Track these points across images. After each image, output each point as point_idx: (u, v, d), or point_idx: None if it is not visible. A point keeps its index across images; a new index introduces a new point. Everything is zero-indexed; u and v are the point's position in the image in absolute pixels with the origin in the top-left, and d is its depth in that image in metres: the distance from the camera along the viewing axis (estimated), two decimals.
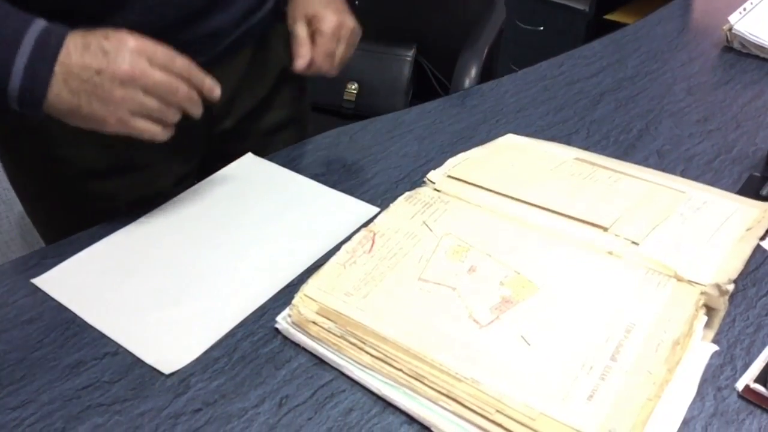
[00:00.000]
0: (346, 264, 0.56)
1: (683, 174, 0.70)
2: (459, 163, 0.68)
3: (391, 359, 0.47)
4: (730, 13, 0.99)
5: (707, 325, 0.51)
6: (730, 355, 0.50)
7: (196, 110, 0.59)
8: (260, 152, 0.77)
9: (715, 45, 1.00)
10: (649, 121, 0.81)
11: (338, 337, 0.50)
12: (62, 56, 0.53)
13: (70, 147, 0.71)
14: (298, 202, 0.68)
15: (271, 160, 0.75)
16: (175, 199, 0.68)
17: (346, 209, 0.67)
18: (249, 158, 0.75)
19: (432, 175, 0.67)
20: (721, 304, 0.51)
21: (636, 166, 0.70)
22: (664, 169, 0.70)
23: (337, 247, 0.59)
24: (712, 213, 0.60)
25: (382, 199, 0.68)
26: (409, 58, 1.38)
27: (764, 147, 0.74)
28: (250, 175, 0.72)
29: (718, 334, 0.51)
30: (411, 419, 0.46)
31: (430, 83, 1.41)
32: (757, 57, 0.96)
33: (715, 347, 0.50)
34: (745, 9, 1.00)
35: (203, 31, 0.68)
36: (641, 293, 0.51)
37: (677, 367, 0.47)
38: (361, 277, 0.54)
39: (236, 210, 0.67)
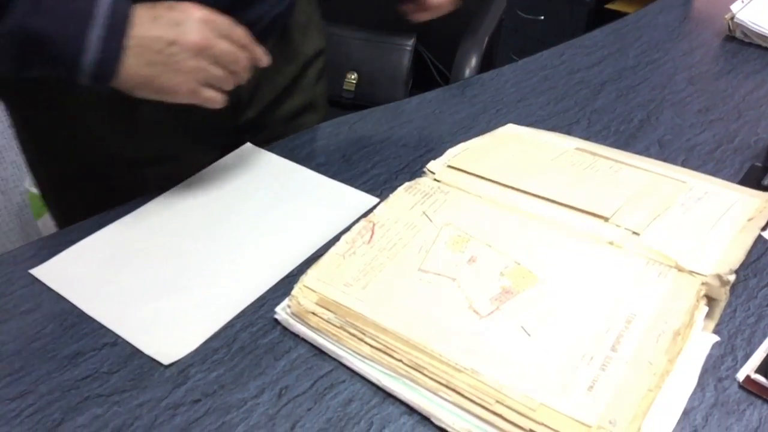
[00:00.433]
0: (345, 254, 0.56)
1: (684, 164, 0.70)
2: (459, 153, 0.68)
3: (391, 350, 0.47)
4: (732, 2, 0.98)
5: (708, 315, 0.51)
6: (730, 345, 0.50)
7: (245, 78, 0.61)
8: (279, 140, 0.77)
9: (717, 34, 0.99)
10: (650, 110, 0.81)
11: (338, 327, 0.50)
12: (134, 28, 0.54)
13: (101, 134, 0.71)
14: (297, 192, 0.67)
15: (270, 150, 0.74)
16: (173, 189, 0.68)
17: (346, 199, 0.66)
18: (248, 148, 0.75)
19: (432, 165, 0.66)
20: (722, 295, 0.51)
21: (637, 156, 0.69)
22: (665, 159, 0.70)
23: (337, 238, 0.58)
24: (713, 203, 0.60)
25: (382, 189, 0.68)
26: (408, 48, 1.37)
27: (766, 137, 0.74)
28: (249, 165, 0.72)
29: (718, 324, 0.51)
30: (411, 410, 0.46)
31: (430, 73, 1.41)
32: (759, 46, 0.95)
33: (716, 338, 0.50)
34: None
35: (244, 20, 0.69)
36: (642, 283, 0.51)
37: (678, 357, 0.47)
38: (360, 267, 0.54)
39: (235, 200, 0.66)
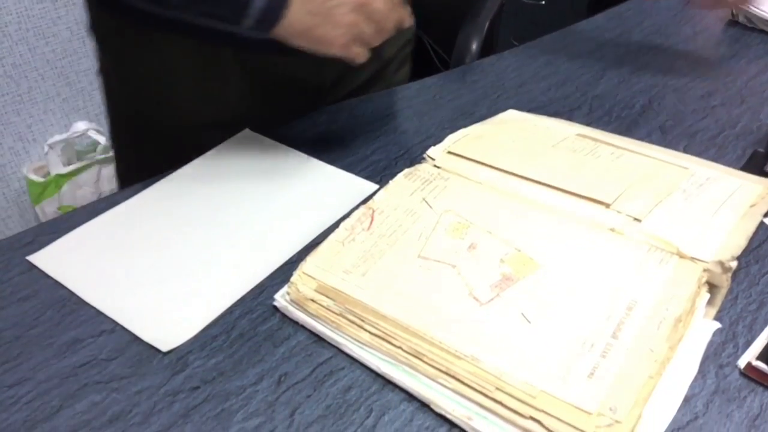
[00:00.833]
0: (344, 241, 0.55)
1: (686, 150, 0.70)
2: (459, 139, 0.68)
3: (391, 337, 0.47)
4: None
5: (709, 302, 0.51)
6: (732, 332, 0.50)
7: (388, 37, 0.63)
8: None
9: (720, 19, 0.98)
10: (652, 96, 0.80)
11: (337, 314, 0.49)
12: None
13: (186, 96, 0.74)
14: (295, 178, 0.67)
15: (269, 136, 0.74)
16: (171, 175, 0.67)
17: (345, 186, 0.66)
18: (246, 134, 0.74)
19: (432, 151, 0.66)
20: (724, 281, 0.51)
21: (639, 142, 0.69)
22: (667, 145, 0.69)
23: (336, 225, 0.58)
24: (715, 189, 0.59)
25: (382, 175, 0.67)
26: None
27: None
28: (247, 151, 0.71)
29: (720, 311, 0.51)
30: (410, 397, 0.46)
31: (430, 58, 1.40)
32: (762, 31, 0.94)
33: (718, 324, 0.50)
34: None
35: None
36: (643, 270, 0.51)
37: (679, 344, 0.46)
38: (359, 254, 0.54)
39: (233, 186, 0.66)
